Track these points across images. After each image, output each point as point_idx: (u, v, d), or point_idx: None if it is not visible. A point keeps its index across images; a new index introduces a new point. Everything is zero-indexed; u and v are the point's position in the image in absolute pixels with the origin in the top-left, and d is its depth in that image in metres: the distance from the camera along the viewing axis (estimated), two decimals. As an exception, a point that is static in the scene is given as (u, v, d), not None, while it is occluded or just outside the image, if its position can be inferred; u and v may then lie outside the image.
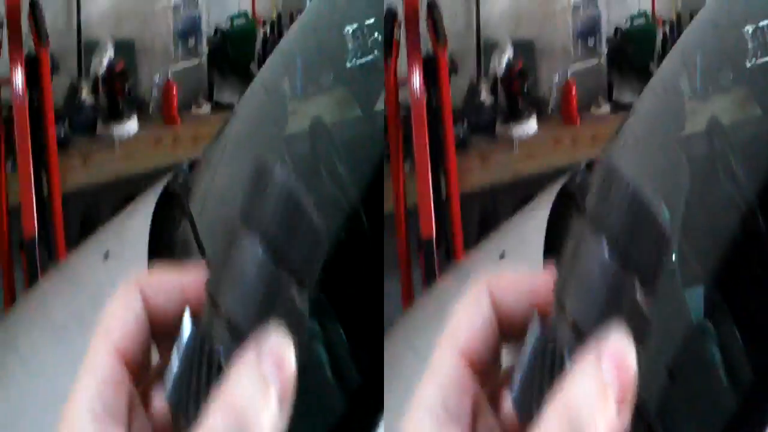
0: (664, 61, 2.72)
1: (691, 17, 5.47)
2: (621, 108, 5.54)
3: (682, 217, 2.05)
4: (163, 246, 1.96)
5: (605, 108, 5.49)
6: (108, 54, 5.06)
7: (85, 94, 5.16)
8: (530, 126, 4.43)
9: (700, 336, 1.77)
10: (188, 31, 5.39)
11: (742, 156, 2.11)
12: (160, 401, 0.50)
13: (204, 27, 5.50)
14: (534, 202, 2.24)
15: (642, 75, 5.56)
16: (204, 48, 5.49)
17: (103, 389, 0.48)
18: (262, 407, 0.47)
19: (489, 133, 5.13)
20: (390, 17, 4.30)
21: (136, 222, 2.18)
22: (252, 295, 0.48)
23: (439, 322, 0.52)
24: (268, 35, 5.53)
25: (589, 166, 2.11)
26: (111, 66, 5.03)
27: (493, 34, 5.55)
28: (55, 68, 4.61)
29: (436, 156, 4.03)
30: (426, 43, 4.33)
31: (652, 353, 0.52)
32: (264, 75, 2.83)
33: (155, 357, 0.52)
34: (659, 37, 5.54)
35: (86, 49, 5.35)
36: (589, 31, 5.49)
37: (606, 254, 0.48)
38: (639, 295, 0.48)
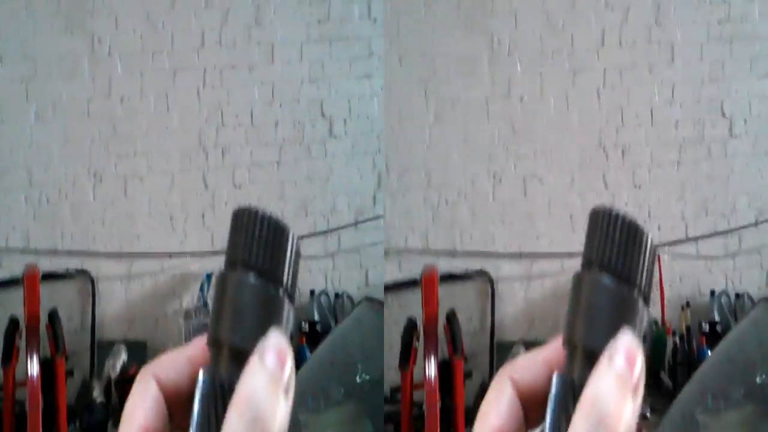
0: (683, 391, 2.72)
1: (700, 329, 5.53)
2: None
3: None
4: None
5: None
6: (122, 358, 5.09)
7: (97, 394, 5.15)
8: None
9: None
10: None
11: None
12: None
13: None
14: None
15: (653, 382, 5.54)
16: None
17: None
18: (273, 399, 0.52)
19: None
20: (410, 326, 4.38)
21: None
22: (249, 314, 0.54)
23: None
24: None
25: None
26: (124, 369, 5.06)
27: (507, 336, 5.62)
28: (69, 373, 4.64)
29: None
30: (442, 349, 4.38)
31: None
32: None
33: None
34: (669, 345, 5.53)
35: (99, 348, 5.40)
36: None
37: (605, 279, 0.54)
38: (639, 303, 0.54)
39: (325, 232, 5.88)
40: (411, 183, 5.66)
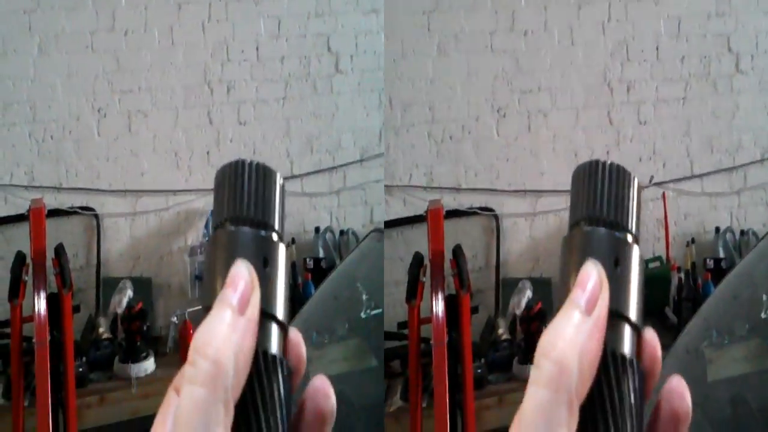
0: (688, 326, 2.73)
1: (705, 266, 5.54)
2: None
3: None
4: None
5: (623, 354, 5.47)
6: (127, 294, 5.10)
7: (103, 330, 5.18)
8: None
9: None
10: (206, 273, 5.45)
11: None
12: None
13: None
14: None
15: (657, 319, 5.57)
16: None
17: None
18: (229, 335, 0.54)
19: (506, 371, 5.11)
20: (417, 261, 4.40)
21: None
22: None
23: None
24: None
25: None
26: (130, 305, 5.08)
27: (512, 272, 5.63)
28: (75, 309, 4.66)
29: (454, 394, 4.02)
30: (448, 285, 4.38)
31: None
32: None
33: None
34: (674, 282, 5.55)
35: (105, 285, 5.41)
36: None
37: (595, 231, 0.55)
38: (634, 248, 0.56)
39: (330, 169, 5.88)
40: (414, 118, 5.64)
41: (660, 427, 0.55)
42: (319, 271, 5.40)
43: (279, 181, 0.59)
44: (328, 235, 5.78)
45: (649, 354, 0.56)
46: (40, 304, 4.27)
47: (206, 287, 0.56)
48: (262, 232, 0.57)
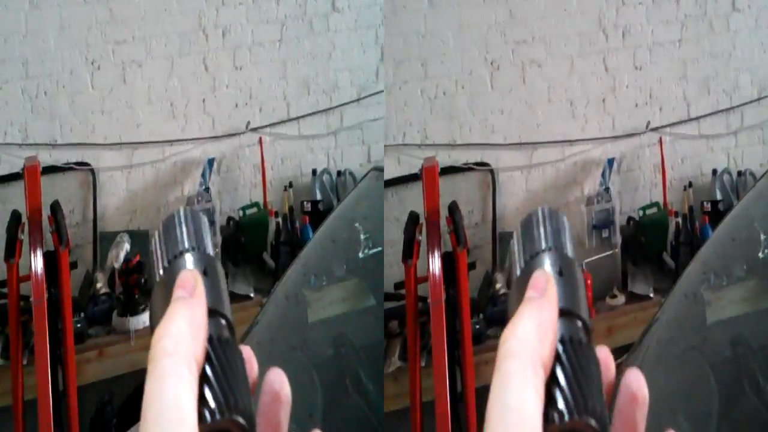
0: (687, 270, 2.73)
1: (702, 209, 5.54)
2: (636, 299, 5.55)
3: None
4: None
5: (620, 299, 5.50)
6: (124, 248, 5.09)
7: (101, 285, 5.18)
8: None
9: None
10: (202, 222, 5.43)
11: (770, 372, 2.11)
12: None
13: (218, 217, 5.58)
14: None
15: (656, 265, 5.58)
16: (218, 238, 5.55)
17: None
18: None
19: (505, 325, 5.11)
20: (412, 220, 4.38)
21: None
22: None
23: None
24: (280, 226, 5.61)
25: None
26: (127, 259, 5.07)
27: (509, 227, 5.62)
28: (73, 265, 4.65)
29: (453, 351, 4.02)
30: (445, 242, 4.37)
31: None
32: (285, 285, 2.87)
33: None
34: (672, 227, 5.55)
35: (102, 240, 5.41)
36: (603, 223, 5.55)
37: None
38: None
39: (327, 110, 5.84)
40: (407, 75, 5.59)
41: (618, 410, 0.57)
42: (317, 214, 5.39)
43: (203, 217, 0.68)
44: (326, 177, 5.75)
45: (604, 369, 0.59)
46: (37, 263, 4.26)
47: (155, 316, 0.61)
48: (197, 252, 0.64)
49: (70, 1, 5.34)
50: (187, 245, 0.65)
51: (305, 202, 5.60)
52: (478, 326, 4.81)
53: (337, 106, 5.85)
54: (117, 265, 5.06)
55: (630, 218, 5.66)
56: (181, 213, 0.67)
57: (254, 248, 5.56)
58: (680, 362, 2.48)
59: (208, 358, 0.57)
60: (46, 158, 5.19)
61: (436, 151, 5.42)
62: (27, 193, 4.43)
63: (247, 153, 5.74)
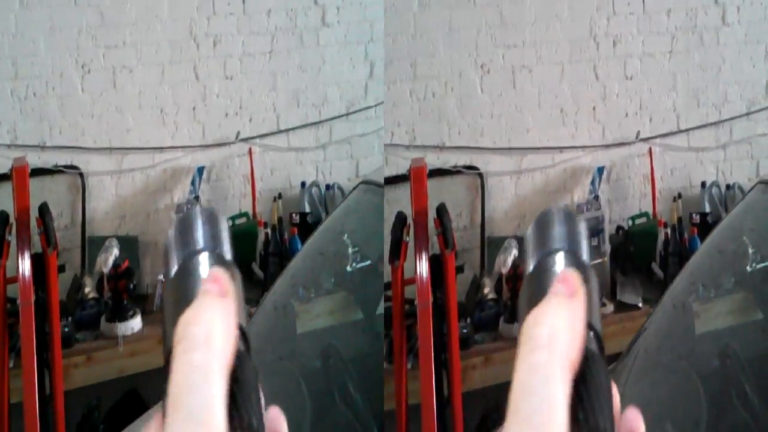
0: (675, 280, 2.73)
1: (691, 220, 5.55)
2: (624, 308, 5.55)
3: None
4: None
5: (609, 307, 5.50)
6: (113, 253, 5.07)
7: (89, 289, 5.16)
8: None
9: None
10: (192, 230, 5.45)
11: (758, 384, 2.11)
12: None
13: (208, 225, 5.55)
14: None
15: (644, 274, 5.58)
16: (210, 247, 5.51)
17: None
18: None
19: (492, 331, 5.11)
20: (400, 221, 4.36)
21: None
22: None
23: None
24: (269, 237, 5.62)
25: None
26: (116, 264, 5.05)
27: (498, 231, 5.62)
28: (61, 269, 4.63)
29: (439, 355, 4.01)
30: (433, 245, 4.36)
31: None
32: (274, 296, 2.87)
33: None
34: (661, 237, 5.54)
35: (90, 244, 5.39)
36: (592, 231, 5.54)
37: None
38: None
39: (316, 123, 5.86)
40: (396, 75, 5.59)
41: None
42: (306, 226, 5.40)
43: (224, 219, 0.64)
44: (314, 190, 5.77)
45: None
46: (25, 265, 4.23)
47: (172, 312, 0.57)
48: (214, 255, 0.61)
49: (61, 4, 5.33)
50: (203, 245, 0.61)
51: (294, 214, 5.61)
52: (465, 330, 4.80)
53: (326, 120, 5.86)
54: (106, 270, 5.04)
55: (619, 227, 5.66)
56: (199, 211, 0.63)
57: (243, 258, 5.56)
58: (668, 372, 2.48)
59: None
60: (35, 160, 5.18)
61: (424, 152, 5.42)
62: (15, 194, 4.40)
63: (236, 163, 5.74)
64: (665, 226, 5.57)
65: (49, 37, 5.33)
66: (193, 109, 5.63)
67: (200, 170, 5.60)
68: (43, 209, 4.60)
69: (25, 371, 4.04)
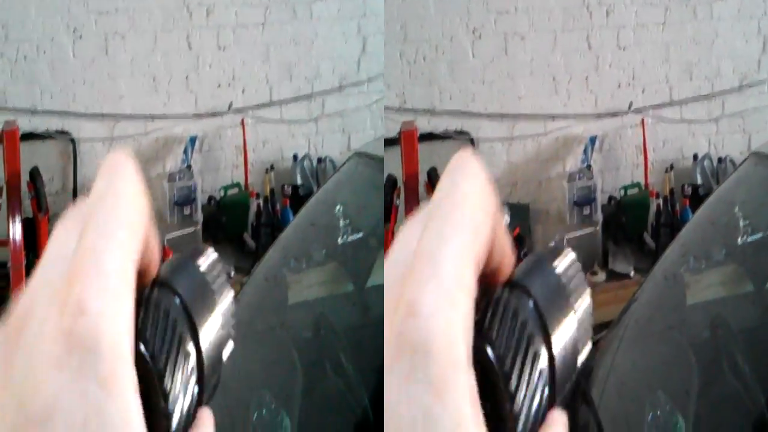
0: (667, 251, 2.74)
1: (683, 191, 5.55)
2: (616, 277, 5.57)
3: (693, 414, 2.05)
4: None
5: (601, 276, 5.52)
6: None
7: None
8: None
9: None
10: (184, 199, 5.47)
11: (749, 354, 2.12)
12: None
13: (199, 195, 5.56)
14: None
15: (636, 244, 5.59)
16: (200, 216, 5.54)
17: None
18: None
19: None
20: (391, 184, 4.36)
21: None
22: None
23: None
24: (261, 208, 5.62)
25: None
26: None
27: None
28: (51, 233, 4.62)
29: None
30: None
31: None
32: (265, 266, 2.86)
33: None
34: (653, 208, 5.57)
35: (81, 210, 5.35)
36: (584, 200, 5.56)
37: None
38: None
39: (308, 96, 5.84)
40: (387, 37, 5.57)
41: None
42: (297, 198, 5.40)
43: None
44: (306, 163, 5.76)
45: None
46: (15, 228, 4.24)
47: None
48: None
49: (52, -33, 5.30)
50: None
51: (286, 186, 5.60)
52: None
53: (318, 93, 5.84)
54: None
55: (611, 197, 5.67)
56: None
57: (235, 228, 5.56)
58: (659, 341, 2.49)
59: None
60: (26, 124, 5.16)
61: (415, 115, 5.41)
62: (5, 157, 4.40)
63: (229, 133, 5.73)
64: (657, 196, 5.58)
65: (40, 1, 5.30)
66: (186, 78, 5.60)
67: (192, 140, 5.58)
68: (34, 174, 4.60)
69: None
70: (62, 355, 0.40)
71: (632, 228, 5.53)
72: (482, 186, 0.47)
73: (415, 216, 0.48)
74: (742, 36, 5.89)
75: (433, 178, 4.34)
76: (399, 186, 4.31)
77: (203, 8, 5.59)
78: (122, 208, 0.44)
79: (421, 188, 4.61)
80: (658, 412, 2.09)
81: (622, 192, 5.64)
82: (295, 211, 4.59)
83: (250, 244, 5.50)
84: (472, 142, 5.55)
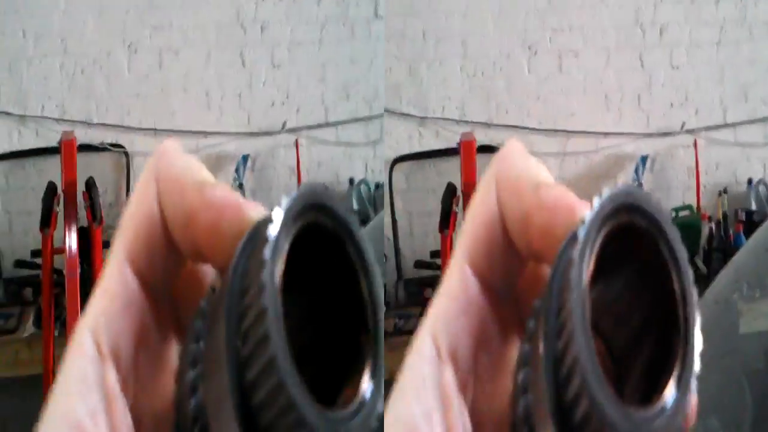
0: (718, 277, 2.71)
1: (737, 216, 5.49)
2: (666, 303, 5.49)
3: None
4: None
5: (650, 300, 5.45)
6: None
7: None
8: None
9: None
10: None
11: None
12: None
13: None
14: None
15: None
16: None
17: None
18: None
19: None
20: (449, 192, 4.47)
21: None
22: None
23: None
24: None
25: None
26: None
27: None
28: (105, 245, 4.67)
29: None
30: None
31: None
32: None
33: None
34: (704, 232, 5.47)
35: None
36: (635, 221, 5.46)
37: None
38: None
39: (366, 119, 5.80)
40: (447, 52, 5.63)
41: None
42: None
43: None
44: (363, 188, 5.68)
45: None
46: (71, 237, 4.28)
47: None
48: None
49: (109, -17, 5.37)
50: None
51: (740, 211, 5.50)
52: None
53: (377, 116, 5.82)
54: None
55: (662, 220, 5.61)
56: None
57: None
58: (709, 370, 2.46)
59: None
60: (82, 136, 5.22)
61: (473, 128, 5.45)
62: (63, 166, 4.46)
63: (282, 153, 5.72)
64: (709, 220, 5.52)
65: (98, 15, 5.36)
66: (239, 95, 5.63)
67: (245, 158, 5.58)
68: (90, 184, 4.65)
69: (70, 341, 4.09)
70: None
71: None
72: (494, 171, 0.44)
73: None
74: (800, 58, 5.83)
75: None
76: (458, 194, 4.43)
77: (257, 25, 5.61)
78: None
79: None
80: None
81: (673, 213, 5.59)
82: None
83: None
84: (526, 156, 5.55)
